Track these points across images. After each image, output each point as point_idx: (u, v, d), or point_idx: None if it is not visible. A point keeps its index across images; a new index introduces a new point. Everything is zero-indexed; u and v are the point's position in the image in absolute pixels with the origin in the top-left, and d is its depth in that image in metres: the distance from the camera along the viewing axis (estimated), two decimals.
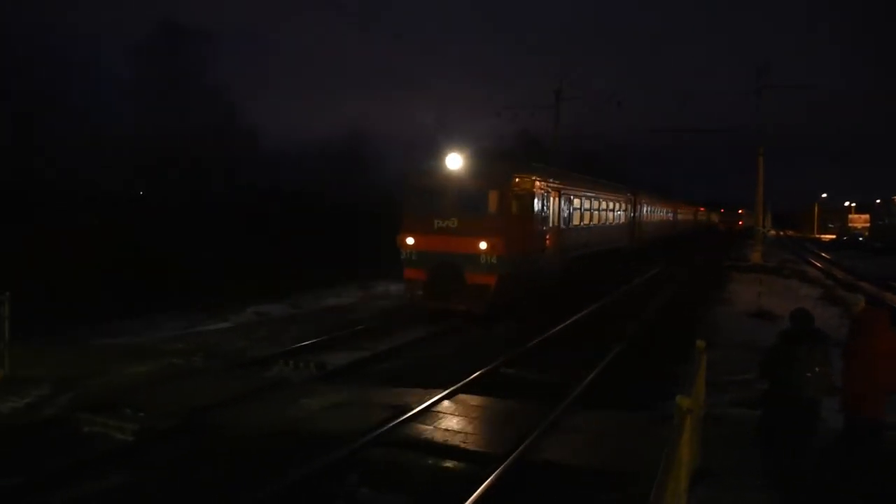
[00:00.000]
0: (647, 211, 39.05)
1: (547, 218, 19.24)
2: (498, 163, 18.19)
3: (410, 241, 17.30)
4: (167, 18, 72.47)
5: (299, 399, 9.89)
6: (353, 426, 8.65)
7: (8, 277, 11.81)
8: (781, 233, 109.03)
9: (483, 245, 16.23)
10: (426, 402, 9.69)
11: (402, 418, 8.98)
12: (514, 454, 7.78)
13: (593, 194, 24.67)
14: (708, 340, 8.76)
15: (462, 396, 10.31)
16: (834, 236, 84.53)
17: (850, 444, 7.51)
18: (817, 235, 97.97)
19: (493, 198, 16.90)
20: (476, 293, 16.50)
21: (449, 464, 7.91)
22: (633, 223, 33.43)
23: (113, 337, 14.29)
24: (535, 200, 18.25)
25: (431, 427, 8.90)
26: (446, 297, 16.70)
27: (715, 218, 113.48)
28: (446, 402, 9.95)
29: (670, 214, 53.66)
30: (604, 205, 26.47)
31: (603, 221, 26.36)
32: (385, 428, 8.61)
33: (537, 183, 18.40)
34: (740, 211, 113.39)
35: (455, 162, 17.04)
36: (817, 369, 7.07)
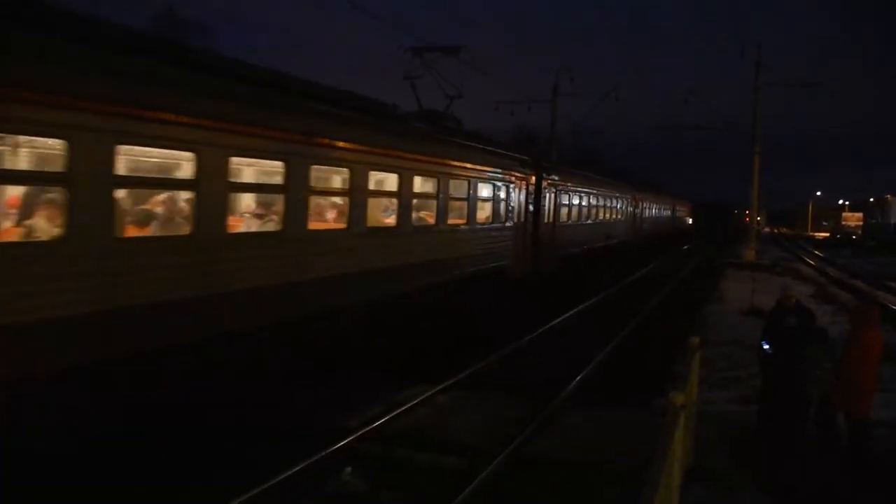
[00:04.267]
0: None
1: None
2: None
3: None
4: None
5: None
6: None
7: None
8: (776, 230, 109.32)
9: None
10: None
11: None
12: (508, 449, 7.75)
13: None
14: (702, 337, 8.76)
15: None
16: (828, 234, 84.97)
17: (841, 443, 7.57)
18: (811, 233, 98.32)
19: None
20: None
21: None
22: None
23: None
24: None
25: None
26: None
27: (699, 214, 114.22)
28: None
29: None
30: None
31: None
32: None
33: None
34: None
35: None
36: (818, 369, 7.16)
